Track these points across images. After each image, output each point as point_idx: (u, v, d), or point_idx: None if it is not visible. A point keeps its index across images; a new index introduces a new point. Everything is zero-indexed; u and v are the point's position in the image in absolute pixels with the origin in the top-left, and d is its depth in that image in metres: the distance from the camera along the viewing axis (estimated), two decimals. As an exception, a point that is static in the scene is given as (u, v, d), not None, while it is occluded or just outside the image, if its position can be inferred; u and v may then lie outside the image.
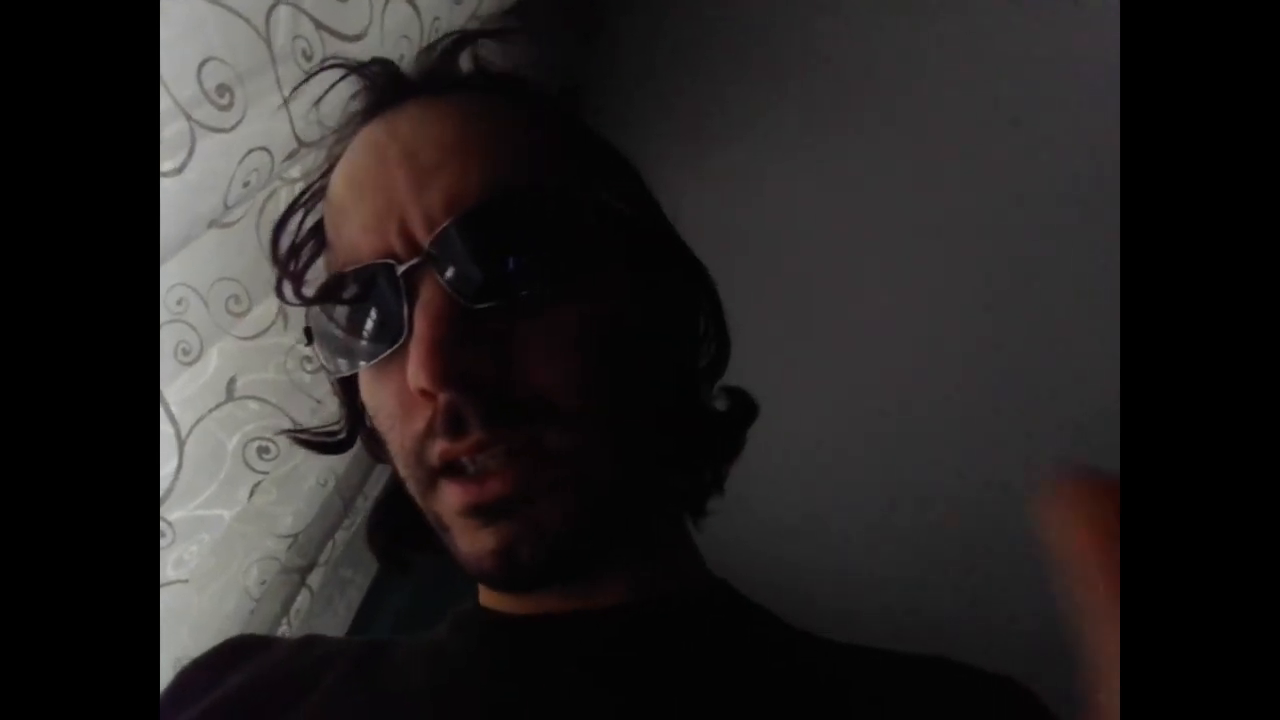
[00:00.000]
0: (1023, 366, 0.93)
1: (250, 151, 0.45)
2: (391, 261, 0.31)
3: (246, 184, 0.46)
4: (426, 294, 0.30)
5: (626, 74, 1.08)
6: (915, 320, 0.97)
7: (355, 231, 0.33)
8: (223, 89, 0.42)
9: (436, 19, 0.64)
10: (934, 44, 0.93)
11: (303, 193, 0.39)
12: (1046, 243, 0.89)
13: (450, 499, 0.32)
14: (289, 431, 0.44)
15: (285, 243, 0.38)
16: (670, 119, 1.05)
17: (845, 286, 0.99)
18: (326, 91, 0.45)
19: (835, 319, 0.99)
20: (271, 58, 0.46)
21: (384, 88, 0.38)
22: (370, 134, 0.35)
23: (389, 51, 0.59)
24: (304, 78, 0.50)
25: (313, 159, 0.58)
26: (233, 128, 0.43)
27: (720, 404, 0.42)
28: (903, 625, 0.80)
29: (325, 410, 0.66)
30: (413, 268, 0.31)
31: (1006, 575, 0.92)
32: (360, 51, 0.54)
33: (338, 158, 0.36)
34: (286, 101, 0.47)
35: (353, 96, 0.39)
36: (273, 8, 0.46)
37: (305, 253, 0.38)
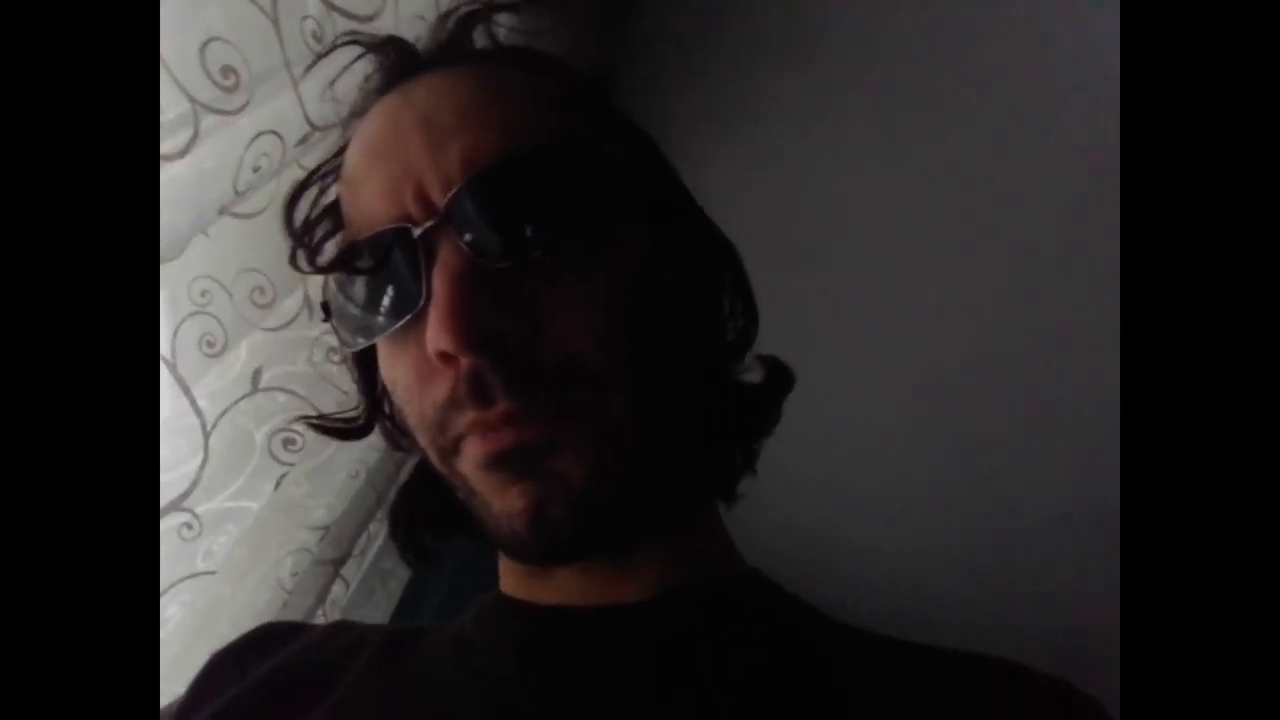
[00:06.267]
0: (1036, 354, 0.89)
1: (259, 135, 0.44)
2: (408, 225, 0.30)
3: (257, 169, 0.45)
4: (445, 256, 0.29)
5: (652, 56, 1.10)
6: (933, 303, 0.95)
7: (371, 198, 0.32)
8: (227, 70, 0.41)
9: (453, -1, 0.62)
10: (962, 24, 0.92)
11: (317, 168, 0.38)
12: (1067, 227, 0.87)
13: (473, 453, 0.31)
14: (306, 418, 0.44)
15: (299, 217, 0.38)
16: (695, 99, 1.06)
17: (865, 267, 0.99)
18: (341, 72, 0.45)
19: (856, 300, 0.99)
20: (279, 39, 0.45)
21: (398, 64, 0.37)
22: (385, 105, 0.34)
23: (403, 33, 0.57)
24: (316, 57, 0.50)
25: (329, 144, 0.57)
26: (239, 110, 0.42)
27: (753, 376, 0.40)
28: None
29: (352, 402, 0.66)
30: (430, 230, 0.30)
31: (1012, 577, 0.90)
32: (373, 32, 0.53)
33: (352, 135, 0.35)
34: (296, 83, 0.46)
35: (367, 78, 0.38)
36: (279, -13, 0.45)
37: (319, 230, 0.38)
